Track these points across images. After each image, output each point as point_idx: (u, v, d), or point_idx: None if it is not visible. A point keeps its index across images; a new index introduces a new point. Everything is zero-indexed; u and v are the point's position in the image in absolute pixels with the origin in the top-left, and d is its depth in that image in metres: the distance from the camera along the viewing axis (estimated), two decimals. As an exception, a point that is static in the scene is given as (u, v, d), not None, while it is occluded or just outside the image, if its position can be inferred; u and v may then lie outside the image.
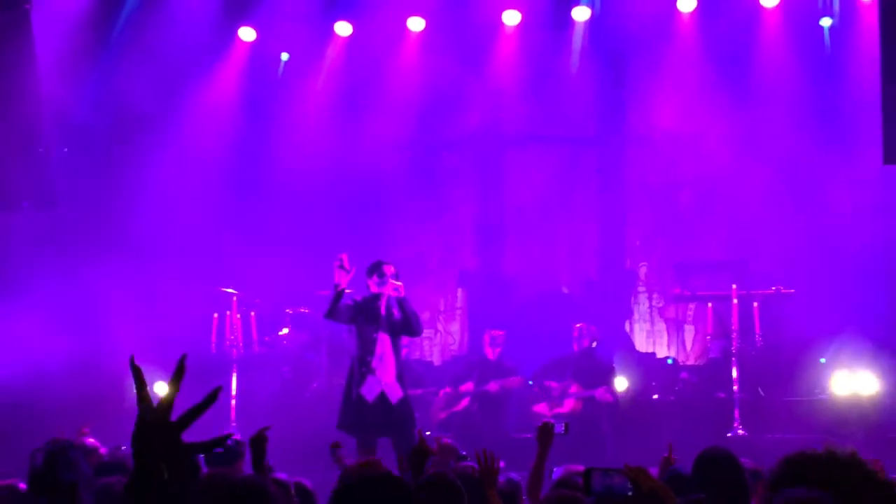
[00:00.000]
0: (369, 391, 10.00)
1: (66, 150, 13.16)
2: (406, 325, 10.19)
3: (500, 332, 13.30)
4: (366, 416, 9.95)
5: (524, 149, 16.15)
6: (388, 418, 9.96)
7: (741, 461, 5.86)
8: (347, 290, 10.30)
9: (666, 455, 6.35)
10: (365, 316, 10.18)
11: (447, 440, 9.20)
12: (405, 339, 11.79)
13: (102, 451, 8.66)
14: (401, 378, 10.13)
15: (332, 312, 10.19)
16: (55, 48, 12.86)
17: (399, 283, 10.14)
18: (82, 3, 13.69)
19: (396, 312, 10.15)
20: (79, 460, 5.47)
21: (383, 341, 10.11)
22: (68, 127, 13.35)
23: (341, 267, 9.98)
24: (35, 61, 12.01)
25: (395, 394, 10.04)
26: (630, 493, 3.72)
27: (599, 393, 12.38)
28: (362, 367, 10.10)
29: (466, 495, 4.89)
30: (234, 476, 3.81)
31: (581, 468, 4.96)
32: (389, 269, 10.21)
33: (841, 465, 3.00)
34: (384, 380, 10.03)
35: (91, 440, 8.70)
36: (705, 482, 5.43)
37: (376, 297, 10.20)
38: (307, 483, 6.37)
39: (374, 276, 10.23)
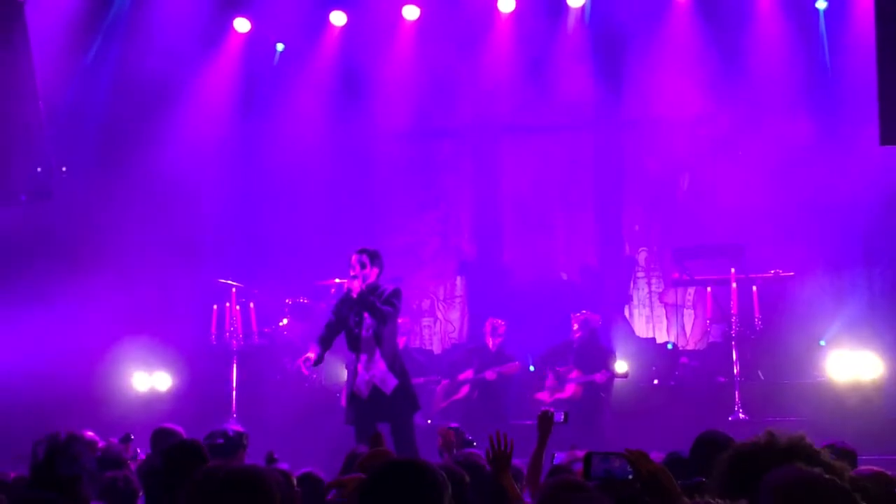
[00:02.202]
0: (363, 388, 9.96)
1: (58, 154, 13.06)
2: (373, 316, 10.06)
3: (502, 322, 13.25)
4: (363, 411, 9.93)
5: (520, 136, 16.14)
6: (384, 408, 9.93)
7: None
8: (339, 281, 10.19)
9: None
10: (347, 316, 10.13)
11: (454, 426, 9.23)
12: (404, 327, 11.68)
13: (100, 444, 8.66)
14: (394, 367, 10.01)
15: (329, 346, 10.27)
16: (50, 41, 12.84)
17: (354, 277, 9.95)
18: (77, -2, 13.68)
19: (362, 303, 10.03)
20: (82, 454, 5.45)
21: (366, 336, 10.03)
22: (64, 119, 13.33)
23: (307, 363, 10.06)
24: (30, 55, 11.99)
25: (388, 384, 9.96)
26: (630, 477, 3.71)
27: (599, 376, 12.37)
28: (353, 365, 10.11)
29: (464, 483, 4.87)
30: (230, 466, 3.79)
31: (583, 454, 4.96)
32: (353, 260, 10.02)
33: (782, 450, 3.01)
34: (375, 373, 9.95)
35: (90, 433, 8.70)
36: (703, 466, 5.43)
37: (349, 292, 10.09)
38: (319, 473, 6.35)
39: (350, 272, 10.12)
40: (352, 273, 9.95)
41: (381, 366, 9.96)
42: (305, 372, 10.38)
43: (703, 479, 5.10)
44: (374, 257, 10.09)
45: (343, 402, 10.28)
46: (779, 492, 2.79)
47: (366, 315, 9.96)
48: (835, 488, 2.79)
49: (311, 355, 10.00)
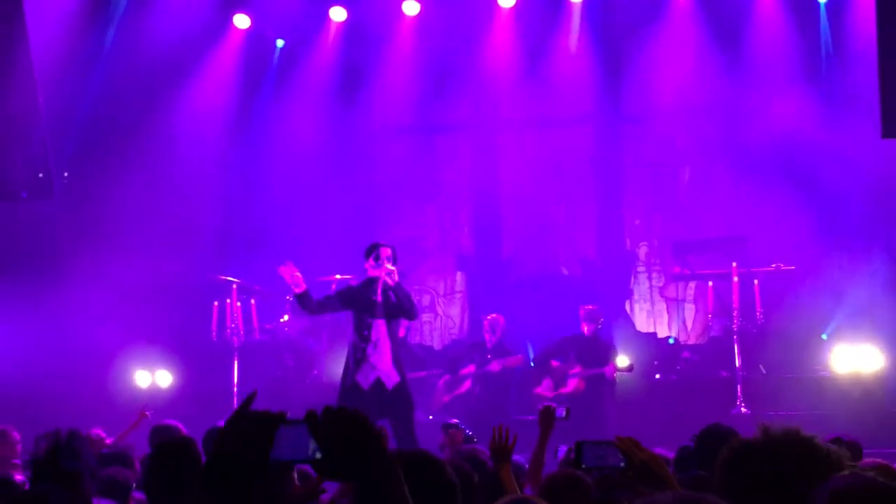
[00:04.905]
0: (364, 378, 9.90)
1: (56, 152, 13.01)
2: (400, 309, 10.07)
3: (498, 317, 13.21)
4: (361, 403, 9.87)
5: (520, 130, 16.09)
6: (384, 403, 9.89)
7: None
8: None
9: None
10: (360, 302, 10.05)
11: (454, 422, 9.22)
12: (404, 322, 11.62)
13: (108, 441, 8.69)
14: (398, 363, 10.00)
15: (309, 310, 10.23)
16: (49, 37, 12.81)
17: (392, 269, 9.99)
18: (76, -7, 13.66)
19: (392, 295, 10.03)
20: (83, 449, 5.45)
21: (379, 327, 9.95)
22: (63, 116, 13.31)
23: (290, 276, 9.90)
24: (28, 50, 11.97)
25: (391, 379, 9.93)
26: (622, 465, 3.69)
27: (607, 370, 12.31)
28: (357, 353, 10.02)
29: (469, 480, 4.85)
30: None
31: None
32: (385, 252, 10.02)
33: (778, 444, 2.98)
34: (380, 366, 9.92)
35: (97, 430, 8.73)
36: (708, 460, 5.42)
37: (372, 280, 10.06)
38: (307, 468, 6.34)
39: (370, 259, 10.06)
40: (387, 265, 9.97)
41: (387, 360, 9.95)
42: (286, 275, 10.00)
43: (703, 472, 5.09)
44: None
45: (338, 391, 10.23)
46: (839, 499, 2.75)
47: (381, 306, 9.95)
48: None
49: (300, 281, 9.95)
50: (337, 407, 2.30)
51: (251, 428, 2.30)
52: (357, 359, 10.00)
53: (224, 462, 2.29)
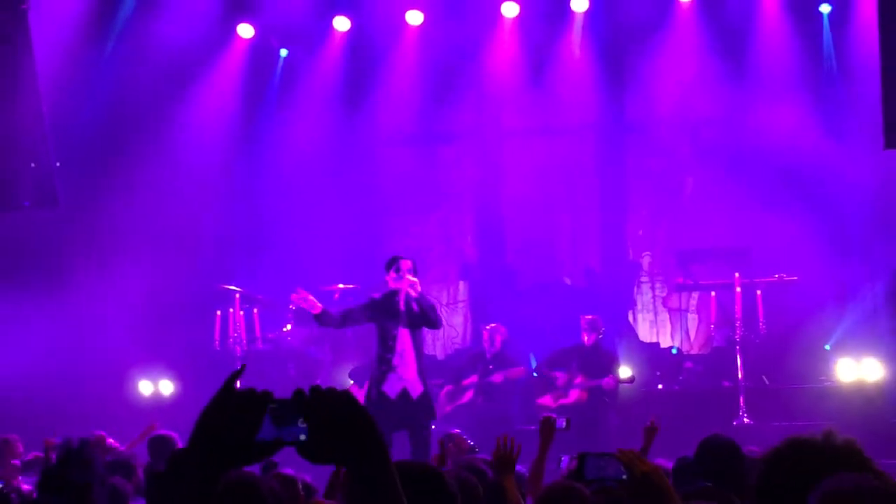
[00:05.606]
0: (391, 388, 9.99)
1: (60, 160, 13.00)
2: (424, 319, 10.13)
3: (498, 327, 13.20)
4: (389, 413, 9.85)
5: (524, 140, 16.12)
6: (408, 413, 9.97)
7: (750, 449, 5.86)
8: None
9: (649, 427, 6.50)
10: (385, 313, 10.13)
11: (455, 431, 9.22)
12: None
13: (121, 449, 8.72)
14: (422, 373, 10.12)
15: (333, 326, 10.41)
16: (54, 48, 12.85)
17: (415, 280, 10.09)
18: (80, 3, 13.67)
19: (415, 306, 10.09)
20: (94, 459, 5.45)
21: (403, 337, 10.05)
22: (67, 125, 13.33)
23: (304, 300, 9.97)
24: (33, 61, 12.00)
25: (416, 389, 10.05)
26: (624, 478, 3.70)
27: (606, 382, 12.31)
28: (382, 365, 10.09)
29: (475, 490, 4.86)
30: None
31: None
32: (406, 265, 10.15)
33: (839, 451, 2.96)
34: (406, 376, 10.02)
35: (111, 440, 8.76)
36: (708, 470, 5.43)
37: (395, 293, 10.14)
38: (307, 478, 6.37)
39: (391, 272, 10.18)
40: (409, 277, 10.08)
41: (412, 370, 10.04)
42: (300, 302, 10.15)
43: (710, 483, 5.10)
44: None
45: (363, 399, 10.24)
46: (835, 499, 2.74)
47: (404, 316, 10.00)
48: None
49: (315, 303, 10.02)
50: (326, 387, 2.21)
51: (238, 406, 2.22)
52: (382, 370, 10.08)
53: (209, 442, 2.19)
